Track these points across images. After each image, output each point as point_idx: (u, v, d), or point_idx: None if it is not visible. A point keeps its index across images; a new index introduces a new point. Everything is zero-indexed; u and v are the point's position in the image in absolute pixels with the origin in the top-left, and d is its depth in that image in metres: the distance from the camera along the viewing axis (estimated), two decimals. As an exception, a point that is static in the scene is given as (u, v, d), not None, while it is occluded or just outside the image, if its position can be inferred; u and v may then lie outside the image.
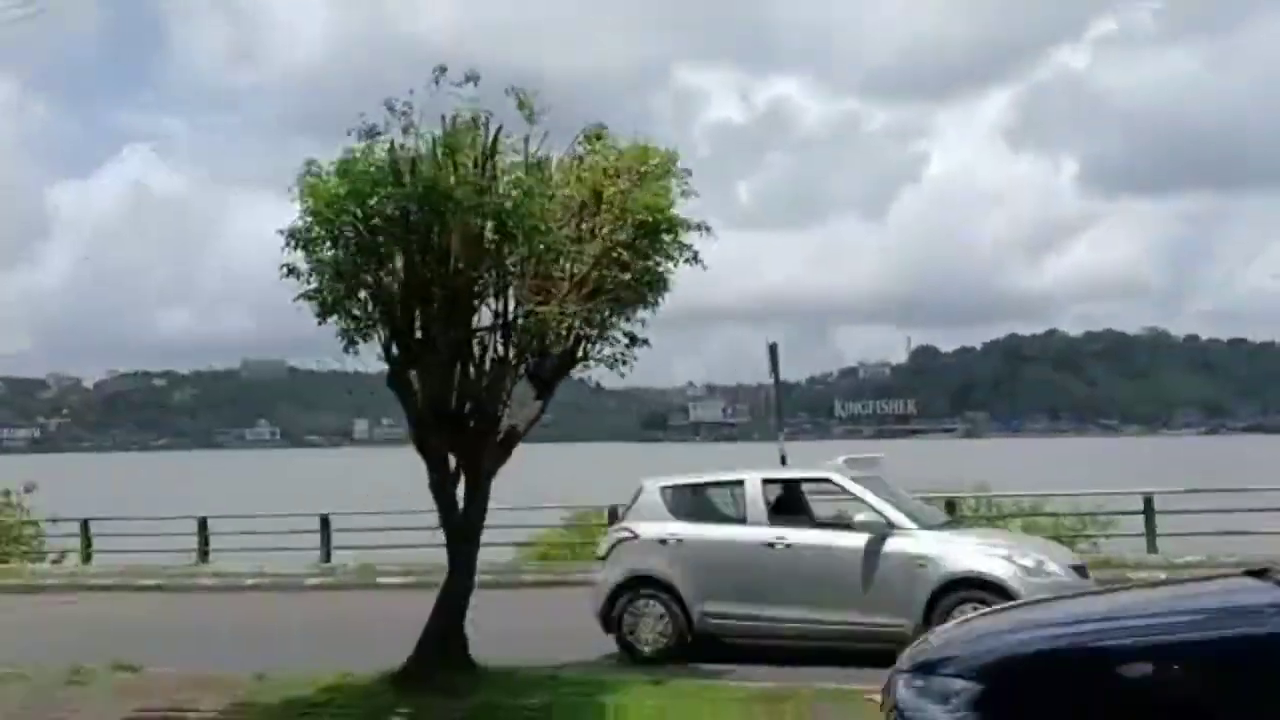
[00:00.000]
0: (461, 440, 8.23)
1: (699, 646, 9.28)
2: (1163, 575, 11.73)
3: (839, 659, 8.44)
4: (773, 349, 14.43)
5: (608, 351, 8.82)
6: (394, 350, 8.06)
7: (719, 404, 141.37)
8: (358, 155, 7.61)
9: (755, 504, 9.66)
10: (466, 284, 7.85)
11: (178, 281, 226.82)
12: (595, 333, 8.64)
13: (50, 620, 11.89)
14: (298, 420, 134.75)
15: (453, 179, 7.49)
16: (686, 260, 8.65)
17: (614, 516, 13.65)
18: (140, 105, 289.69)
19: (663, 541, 9.66)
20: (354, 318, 7.96)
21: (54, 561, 17.56)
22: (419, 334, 7.99)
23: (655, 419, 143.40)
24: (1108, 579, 10.47)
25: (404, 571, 14.42)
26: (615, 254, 8.20)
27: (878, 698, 4.72)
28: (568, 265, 8.15)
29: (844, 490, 9.64)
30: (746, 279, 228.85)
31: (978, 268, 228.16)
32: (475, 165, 7.70)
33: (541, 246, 7.75)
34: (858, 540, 9.07)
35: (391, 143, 7.66)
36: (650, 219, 8.28)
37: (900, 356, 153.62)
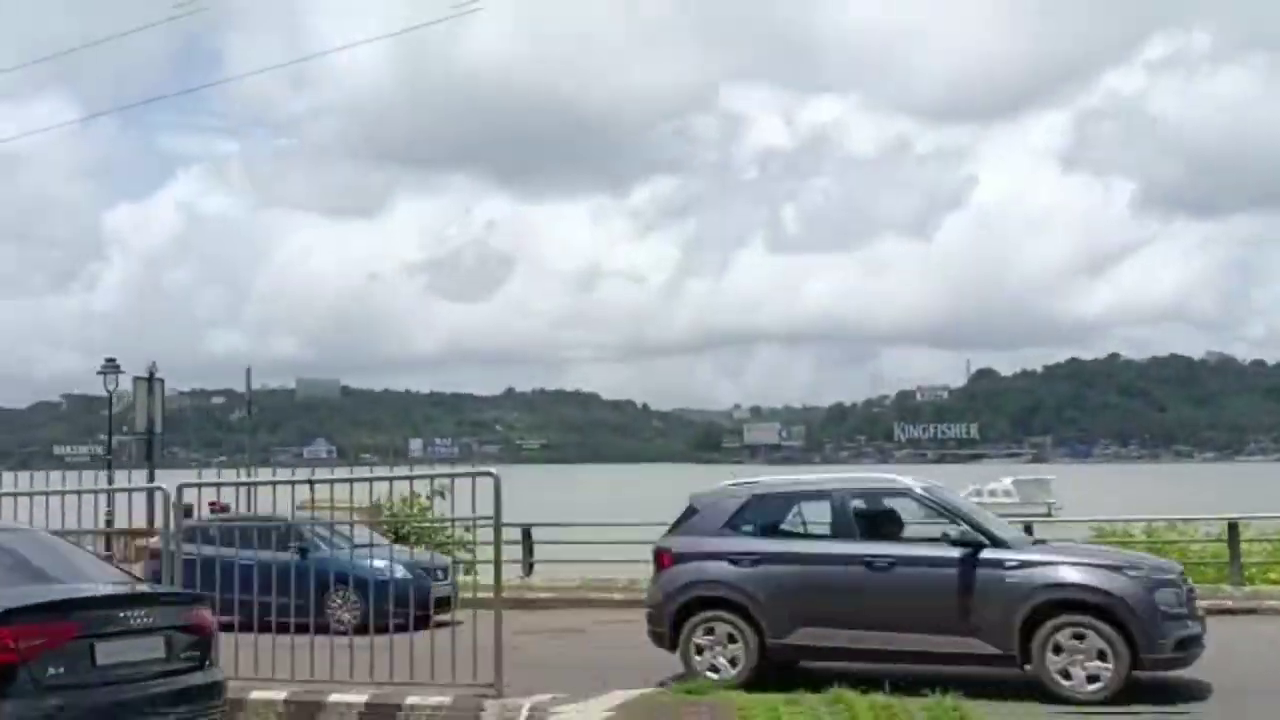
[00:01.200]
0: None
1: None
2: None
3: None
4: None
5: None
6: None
7: (774, 426, 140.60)
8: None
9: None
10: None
11: (230, 302, 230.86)
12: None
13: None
14: (354, 437, 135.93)
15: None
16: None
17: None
18: (195, 128, 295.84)
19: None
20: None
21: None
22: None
23: (708, 441, 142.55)
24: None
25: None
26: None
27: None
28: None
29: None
30: (792, 302, 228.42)
31: (1028, 291, 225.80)
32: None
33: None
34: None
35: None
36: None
37: (958, 380, 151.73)
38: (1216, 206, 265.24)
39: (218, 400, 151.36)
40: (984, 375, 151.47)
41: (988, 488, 55.57)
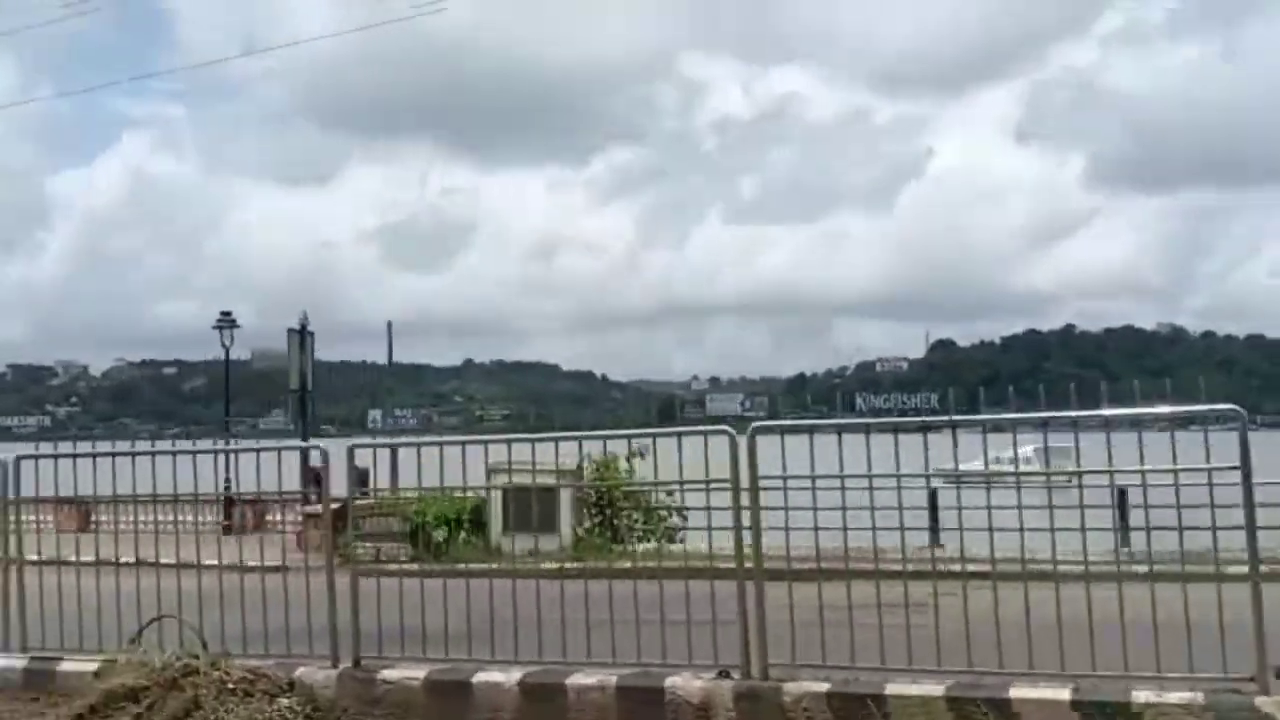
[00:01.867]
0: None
1: None
2: None
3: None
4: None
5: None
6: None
7: (737, 396, 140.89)
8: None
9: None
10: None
11: (179, 270, 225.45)
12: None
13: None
14: (314, 409, 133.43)
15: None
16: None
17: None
18: (141, 92, 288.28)
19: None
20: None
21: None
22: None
23: (669, 411, 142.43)
24: None
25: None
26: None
27: None
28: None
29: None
30: (749, 273, 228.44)
31: (984, 262, 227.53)
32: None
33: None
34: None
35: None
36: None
37: (916, 351, 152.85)
38: (1166, 180, 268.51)
39: (169, 371, 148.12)
40: (943, 346, 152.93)
41: (1006, 455, 55.76)
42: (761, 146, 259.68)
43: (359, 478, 7.93)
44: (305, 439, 13.03)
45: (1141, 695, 5.68)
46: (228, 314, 28.20)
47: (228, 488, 14.15)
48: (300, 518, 16.60)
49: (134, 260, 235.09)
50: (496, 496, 11.43)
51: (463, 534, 15.76)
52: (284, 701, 6.73)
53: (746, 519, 6.62)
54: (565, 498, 14.97)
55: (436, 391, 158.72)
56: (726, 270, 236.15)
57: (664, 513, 13.41)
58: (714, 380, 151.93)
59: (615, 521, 15.51)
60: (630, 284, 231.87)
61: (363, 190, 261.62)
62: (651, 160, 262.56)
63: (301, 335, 23.66)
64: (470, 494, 13.58)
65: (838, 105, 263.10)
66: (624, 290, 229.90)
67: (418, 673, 6.85)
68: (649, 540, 13.01)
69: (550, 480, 8.64)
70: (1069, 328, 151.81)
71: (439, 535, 14.94)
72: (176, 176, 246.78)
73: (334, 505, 7.52)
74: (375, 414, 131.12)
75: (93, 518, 14.02)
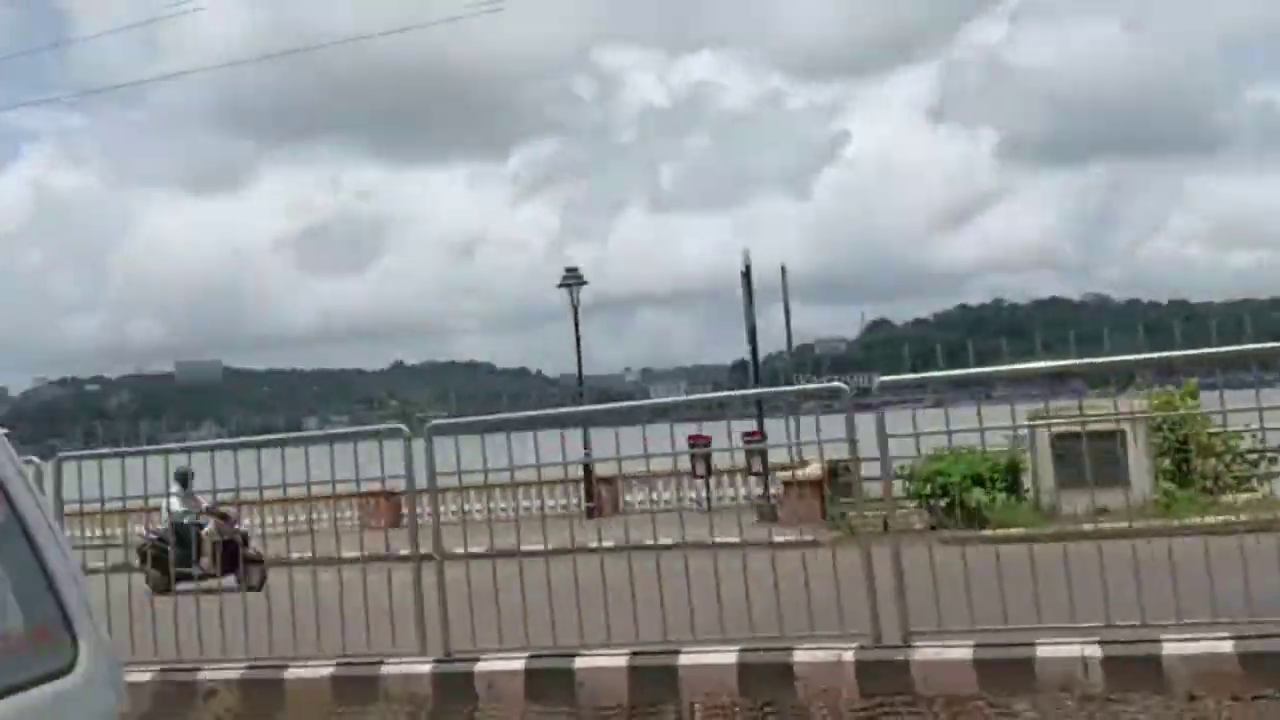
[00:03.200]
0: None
1: None
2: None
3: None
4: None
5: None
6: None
7: (679, 384, 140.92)
8: None
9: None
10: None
11: (87, 285, 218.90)
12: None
13: None
14: (247, 420, 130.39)
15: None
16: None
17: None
18: (39, 102, 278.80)
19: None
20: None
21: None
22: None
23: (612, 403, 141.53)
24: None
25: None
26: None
27: None
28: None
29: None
30: (672, 261, 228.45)
31: (903, 242, 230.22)
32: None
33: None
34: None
35: None
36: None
37: (850, 331, 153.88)
38: (1074, 155, 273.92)
39: (92, 388, 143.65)
40: (879, 325, 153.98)
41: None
42: (680, 135, 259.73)
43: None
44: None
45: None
46: (574, 269, 25.19)
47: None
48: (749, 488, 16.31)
49: (39, 276, 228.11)
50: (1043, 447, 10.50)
51: (998, 494, 13.92)
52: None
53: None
54: (1138, 440, 12.89)
55: (368, 396, 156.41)
56: (649, 259, 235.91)
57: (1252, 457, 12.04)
58: (645, 371, 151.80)
59: (1195, 468, 13.22)
60: (553, 278, 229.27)
61: (274, 196, 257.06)
62: (569, 152, 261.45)
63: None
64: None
65: (756, 91, 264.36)
66: (547, 284, 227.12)
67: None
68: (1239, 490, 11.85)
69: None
70: (997, 301, 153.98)
71: (977, 497, 13.27)
72: (78, 189, 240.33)
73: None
74: (312, 421, 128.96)
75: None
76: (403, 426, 8.02)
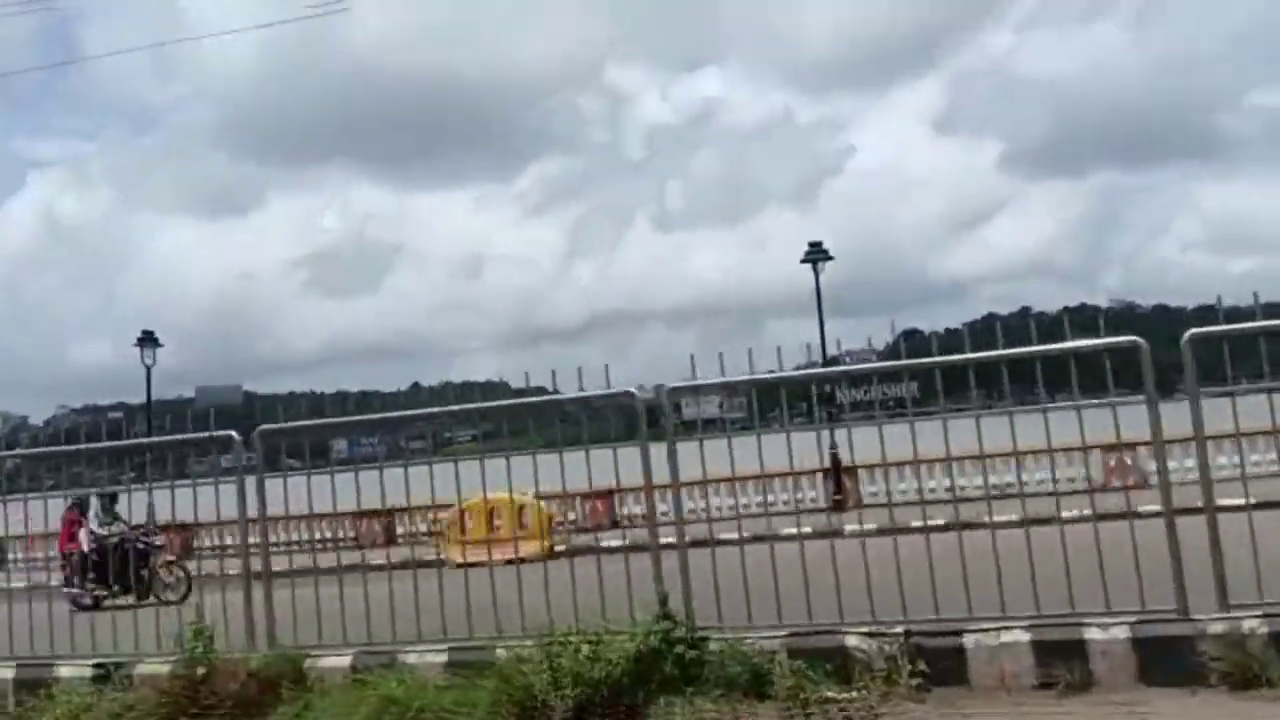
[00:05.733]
0: None
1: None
2: None
3: None
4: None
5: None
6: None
7: (714, 399, 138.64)
8: None
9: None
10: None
11: (102, 311, 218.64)
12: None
13: None
14: (271, 443, 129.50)
15: None
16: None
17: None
18: (53, 130, 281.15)
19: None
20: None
21: None
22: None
23: (635, 420, 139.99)
24: None
25: None
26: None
27: None
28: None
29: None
30: (680, 278, 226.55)
31: (915, 254, 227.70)
32: None
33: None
34: None
35: None
36: None
37: (878, 342, 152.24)
38: (1080, 163, 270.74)
39: (115, 415, 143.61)
40: (911, 335, 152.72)
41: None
42: (688, 152, 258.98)
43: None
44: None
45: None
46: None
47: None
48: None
49: (56, 303, 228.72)
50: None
51: None
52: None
53: None
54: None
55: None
56: (658, 276, 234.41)
57: None
58: (658, 387, 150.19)
59: None
60: (564, 296, 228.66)
61: (280, 219, 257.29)
62: (578, 171, 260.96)
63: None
64: None
65: (763, 106, 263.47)
66: (557, 303, 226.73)
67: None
68: None
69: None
70: (1025, 309, 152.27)
71: None
72: (89, 215, 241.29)
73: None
74: (341, 444, 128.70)
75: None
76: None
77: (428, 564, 8.03)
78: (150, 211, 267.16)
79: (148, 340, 27.07)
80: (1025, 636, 6.08)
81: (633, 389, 7.30)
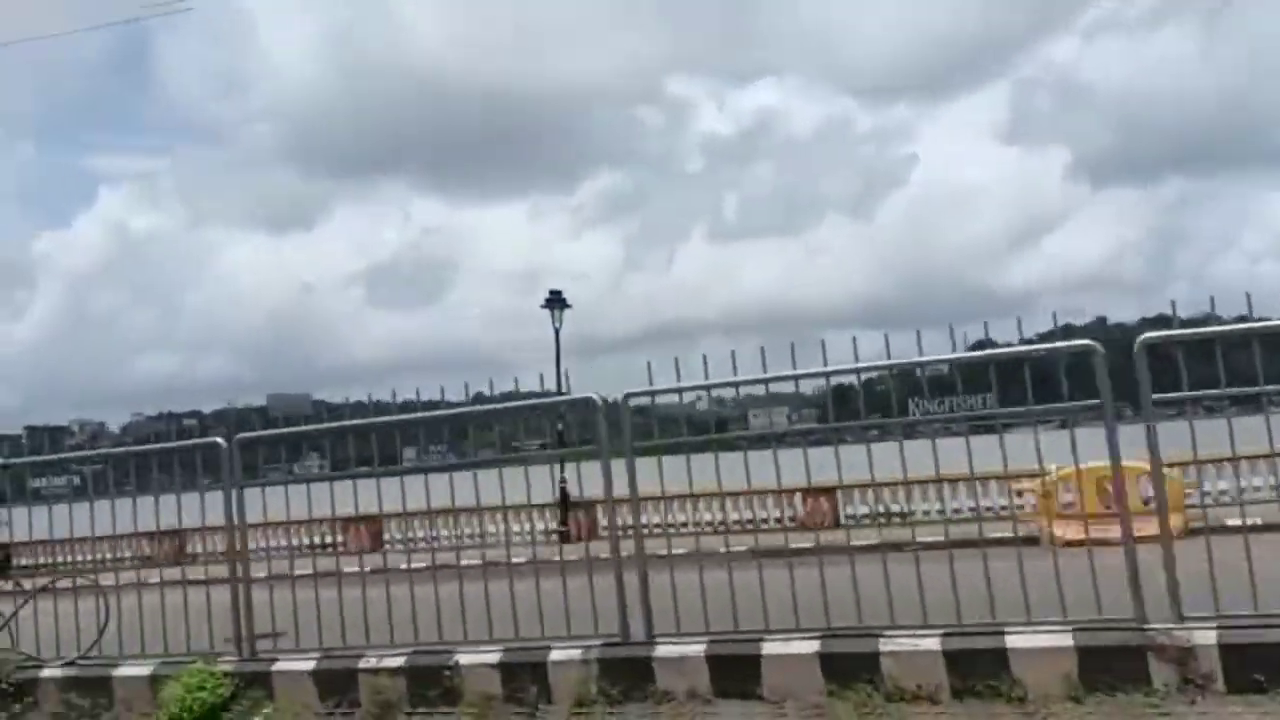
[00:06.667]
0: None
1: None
2: None
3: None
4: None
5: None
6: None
7: (783, 410, 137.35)
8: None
9: None
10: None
11: (174, 324, 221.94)
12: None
13: None
14: (341, 450, 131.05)
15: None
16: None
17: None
18: (122, 148, 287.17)
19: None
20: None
21: None
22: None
23: (705, 431, 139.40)
24: None
25: None
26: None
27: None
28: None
29: None
30: (738, 288, 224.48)
31: (976, 264, 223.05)
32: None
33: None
34: None
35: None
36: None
37: (946, 353, 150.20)
38: (1148, 172, 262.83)
39: (190, 422, 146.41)
40: (981, 346, 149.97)
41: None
42: (745, 163, 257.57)
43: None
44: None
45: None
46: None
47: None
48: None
49: (127, 315, 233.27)
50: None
51: None
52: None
53: None
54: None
55: (459, 427, 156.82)
56: (716, 288, 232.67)
57: None
58: (718, 400, 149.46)
59: None
60: (621, 307, 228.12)
61: (344, 233, 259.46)
62: (635, 183, 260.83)
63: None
64: None
65: (823, 115, 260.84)
66: (614, 314, 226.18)
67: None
68: None
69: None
70: (1101, 319, 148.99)
71: None
72: (160, 230, 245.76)
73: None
74: (410, 452, 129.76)
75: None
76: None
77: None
78: (217, 226, 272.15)
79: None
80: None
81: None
